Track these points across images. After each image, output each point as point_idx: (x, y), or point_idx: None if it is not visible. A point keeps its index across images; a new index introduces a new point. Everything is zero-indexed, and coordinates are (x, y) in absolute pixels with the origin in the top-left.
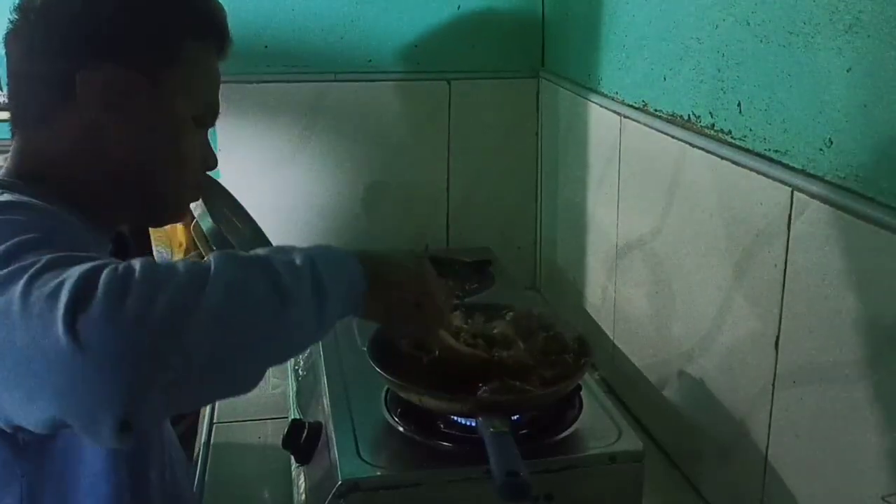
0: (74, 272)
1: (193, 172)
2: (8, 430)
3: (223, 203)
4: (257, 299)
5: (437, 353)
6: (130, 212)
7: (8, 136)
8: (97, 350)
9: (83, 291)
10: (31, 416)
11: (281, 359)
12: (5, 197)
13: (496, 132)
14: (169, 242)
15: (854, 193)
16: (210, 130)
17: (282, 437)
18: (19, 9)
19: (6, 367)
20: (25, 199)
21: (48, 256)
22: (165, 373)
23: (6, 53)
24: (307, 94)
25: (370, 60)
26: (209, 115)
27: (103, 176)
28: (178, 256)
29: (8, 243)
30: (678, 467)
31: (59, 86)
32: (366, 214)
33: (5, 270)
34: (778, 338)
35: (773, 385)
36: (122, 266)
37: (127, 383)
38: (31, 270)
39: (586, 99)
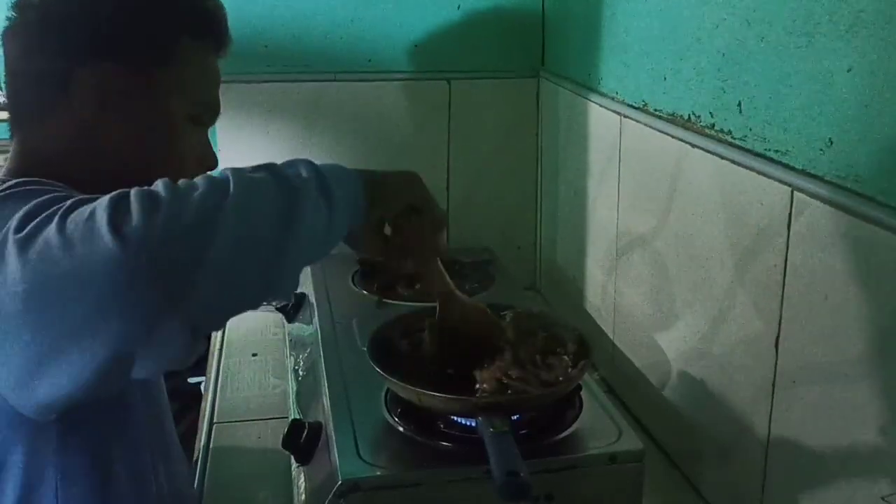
0: (103, 200)
1: (192, 172)
2: (52, 416)
3: None
4: (272, 197)
5: (438, 303)
6: None
7: (7, 135)
8: (146, 247)
9: (117, 209)
10: (94, 350)
11: (300, 256)
12: (16, 181)
13: (496, 132)
14: None
15: (854, 193)
16: (210, 130)
17: (282, 437)
18: (17, 6)
19: (60, 302)
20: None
21: (71, 200)
22: (208, 266)
23: (4, 52)
24: (307, 94)
25: (370, 60)
26: (208, 114)
27: (100, 174)
28: None
29: (31, 203)
30: (678, 467)
31: (56, 84)
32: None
33: (33, 223)
34: (778, 338)
35: (773, 385)
36: (144, 188)
37: (180, 274)
38: (60, 212)
39: (586, 99)
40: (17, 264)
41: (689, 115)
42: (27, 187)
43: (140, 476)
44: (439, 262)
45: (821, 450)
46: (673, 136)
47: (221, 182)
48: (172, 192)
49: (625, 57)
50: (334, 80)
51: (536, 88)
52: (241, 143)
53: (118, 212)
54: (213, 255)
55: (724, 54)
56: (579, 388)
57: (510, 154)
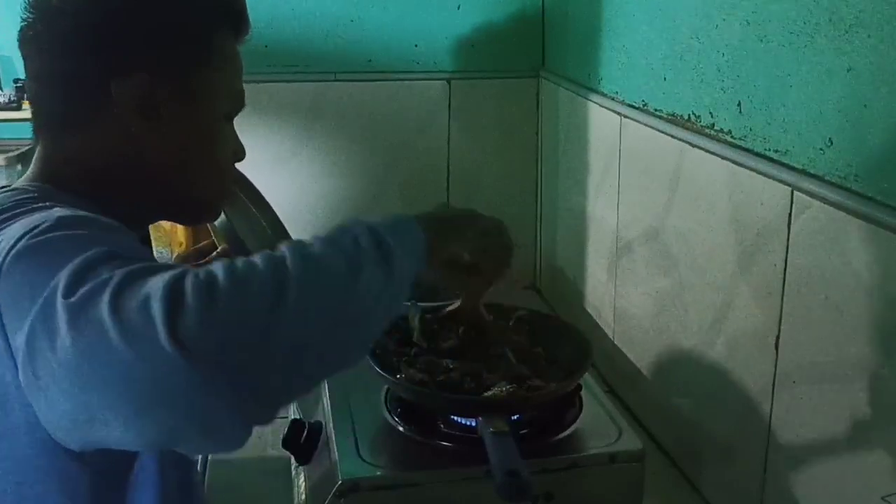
0: (157, 283)
1: (228, 168)
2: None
3: (243, 192)
4: (333, 275)
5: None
6: (166, 213)
7: (8, 135)
8: (204, 352)
9: (173, 302)
10: (142, 431)
11: (371, 326)
12: (59, 211)
13: (496, 132)
14: (169, 242)
15: (854, 193)
16: None
17: (282, 437)
18: (36, 9)
19: (112, 385)
20: (81, 212)
21: (122, 270)
22: (273, 361)
23: (23, 55)
24: (307, 94)
25: (370, 60)
26: (238, 107)
27: (142, 181)
28: (178, 251)
29: (77, 260)
30: (678, 467)
31: (90, 94)
32: (366, 214)
33: (83, 289)
34: (778, 338)
35: (773, 385)
36: (202, 272)
37: (240, 379)
38: (112, 286)
39: (586, 99)
40: (69, 336)
41: (689, 115)
42: (72, 230)
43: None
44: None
45: (821, 450)
46: (673, 136)
47: (277, 264)
48: (231, 281)
49: (625, 57)
50: (334, 80)
51: (536, 88)
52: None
53: (173, 306)
54: (275, 353)
55: (723, 54)
56: (579, 388)
57: (510, 154)
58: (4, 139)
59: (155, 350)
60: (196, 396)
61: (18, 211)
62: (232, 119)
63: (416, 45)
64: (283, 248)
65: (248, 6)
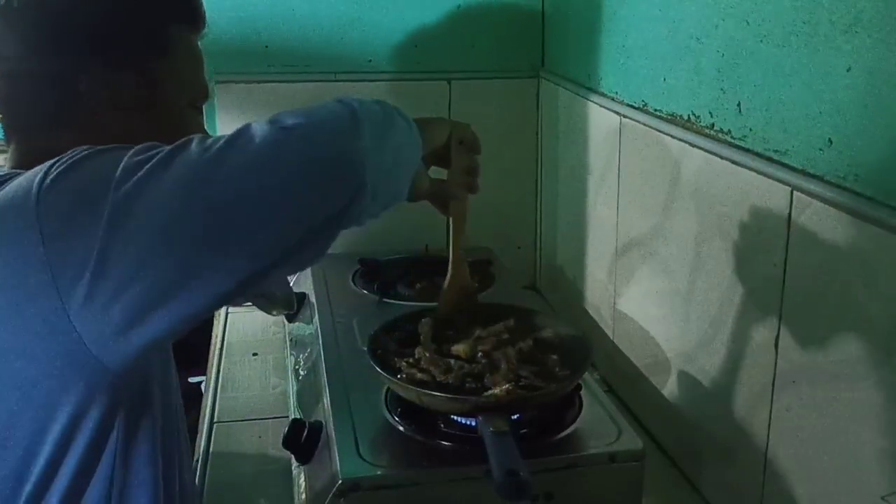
0: (246, 127)
1: None
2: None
3: None
4: (378, 111)
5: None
6: None
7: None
8: (307, 130)
9: (266, 122)
10: (267, 233)
11: (407, 165)
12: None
13: (496, 132)
14: None
15: (854, 193)
16: (211, 129)
17: (282, 437)
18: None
19: (230, 200)
20: None
21: (193, 137)
22: (365, 150)
23: None
24: (307, 94)
25: (370, 60)
26: (202, 97)
27: None
28: None
29: (133, 149)
30: (678, 467)
31: (55, 86)
32: None
33: (158, 155)
34: (778, 338)
35: (773, 385)
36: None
37: (347, 153)
38: (193, 142)
39: (586, 99)
40: (160, 185)
41: (688, 115)
42: (104, 147)
43: (169, 473)
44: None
45: (821, 450)
46: (673, 136)
47: (333, 101)
48: (303, 110)
49: (625, 57)
50: (334, 80)
51: (536, 88)
52: None
53: (270, 121)
54: (365, 141)
55: (723, 54)
56: (579, 388)
57: (510, 154)
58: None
59: (262, 139)
60: (310, 161)
61: (13, 174)
62: (199, 108)
63: (416, 45)
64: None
65: (247, 6)
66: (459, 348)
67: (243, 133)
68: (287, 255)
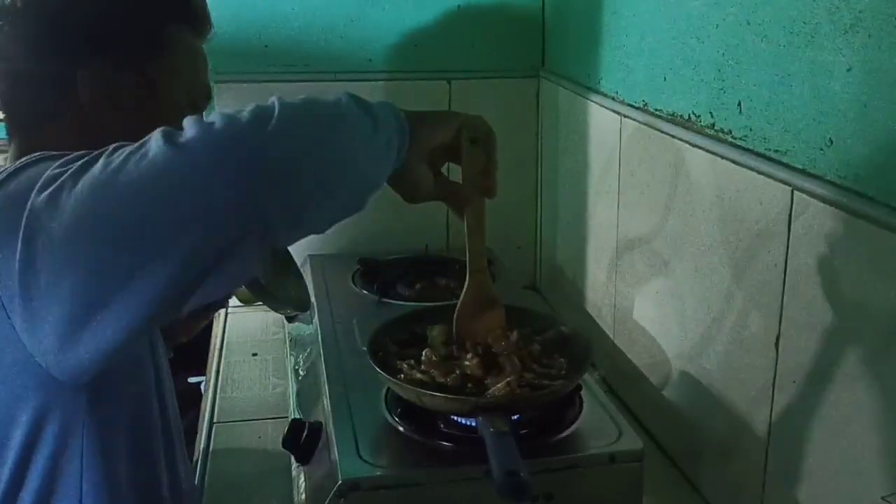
0: (150, 137)
1: None
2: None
3: None
4: (319, 106)
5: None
6: None
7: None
8: (204, 148)
9: (167, 133)
10: (171, 251)
11: (362, 168)
12: (27, 157)
13: (496, 132)
14: None
15: (854, 193)
16: None
17: (282, 437)
18: (2, 13)
19: (120, 225)
20: None
21: (106, 149)
22: (271, 163)
23: None
24: (307, 94)
25: (370, 60)
26: (202, 98)
27: None
28: None
29: (55, 163)
30: (678, 467)
31: (55, 87)
32: (365, 214)
33: (69, 170)
34: (778, 338)
35: (773, 385)
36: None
37: (245, 171)
38: (102, 156)
39: (586, 99)
40: (67, 207)
41: (689, 115)
42: (42, 157)
43: (150, 470)
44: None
45: (821, 450)
46: (673, 136)
47: (267, 104)
48: (220, 114)
49: (625, 57)
50: (334, 80)
51: (536, 88)
52: None
53: (171, 133)
54: (272, 150)
55: (724, 54)
56: (579, 388)
57: (510, 154)
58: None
59: (159, 160)
60: (214, 191)
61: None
62: (199, 110)
63: (415, 45)
64: (274, 99)
65: (247, 6)
66: (472, 364)
67: (145, 143)
68: (193, 278)
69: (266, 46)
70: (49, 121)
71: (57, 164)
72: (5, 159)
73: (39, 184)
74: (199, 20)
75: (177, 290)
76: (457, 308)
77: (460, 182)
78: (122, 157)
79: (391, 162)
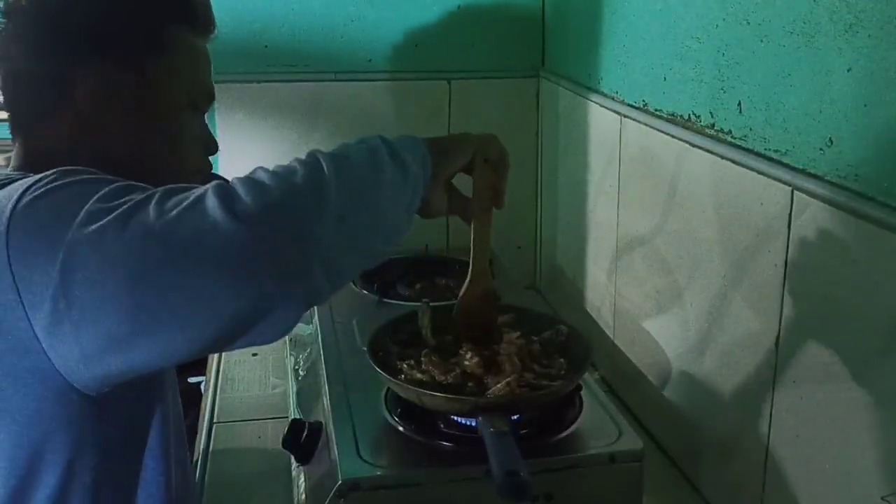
0: (201, 189)
1: (194, 158)
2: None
3: None
4: (358, 163)
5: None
6: None
7: (8, 135)
8: (262, 222)
9: (224, 195)
10: (212, 314)
11: (395, 220)
12: (63, 170)
13: (496, 132)
14: None
15: (854, 193)
16: (211, 129)
17: (282, 437)
18: (5, 12)
19: (167, 282)
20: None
21: (159, 189)
22: (321, 233)
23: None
24: (307, 94)
25: (370, 60)
26: (204, 99)
27: (105, 168)
28: None
29: (102, 190)
30: (678, 467)
31: (55, 86)
32: None
33: (123, 205)
34: (778, 338)
35: (773, 385)
36: (244, 177)
37: (296, 245)
38: (155, 198)
39: (586, 98)
40: (114, 245)
41: (689, 114)
42: (82, 175)
43: (157, 471)
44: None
45: (821, 450)
46: (673, 136)
47: (312, 161)
48: (273, 174)
49: (625, 57)
50: (334, 80)
51: (536, 88)
52: (241, 143)
53: (227, 196)
54: (324, 221)
55: (724, 54)
56: (579, 388)
57: (510, 154)
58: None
59: (210, 227)
60: (259, 265)
61: (9, 179)
62: (199, 110)
63: (416, 45)
64: (312, 152)
65: (246, 6)
66: (472, 363)
67: (201, 200)
68: (232, 333)
69: (266, 46)
70: (49, 120)
71: (100, 194)
72: (7, 159)
73: (81, 217)
74: (200, 20)
75: (211, 345)
76: (457, 303)
77: (471, 194)
78: (177, 211)
79: (416, 206)
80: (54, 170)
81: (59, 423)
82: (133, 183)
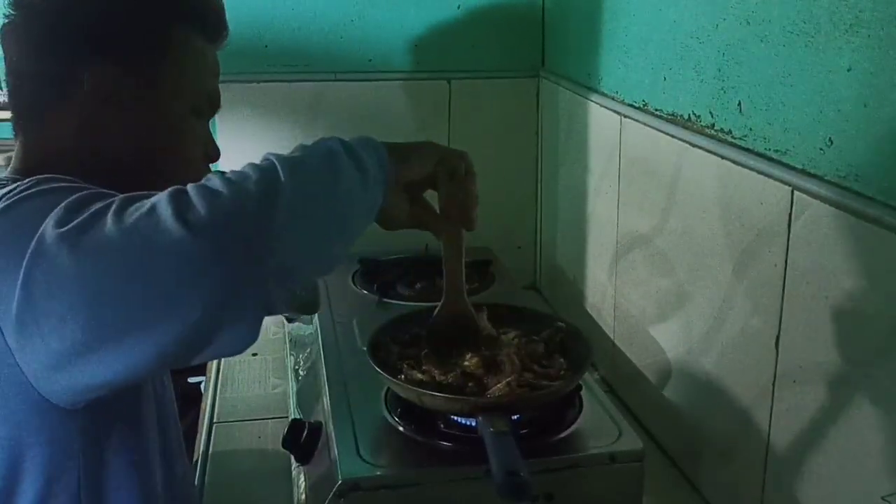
0: (160, 196)
1: (194, 163)
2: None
3: None
4: (315, 166)
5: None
6: None
7: (9, 135)
8: (214, 230)
9: (179, 201)
10: (161, 332)
11: (352, 224)
12: (35, 178)
13: (496, 132)
14: None
15: (854, 193)
16: (211, 130)
17: (282, 437)
18: (15, 4)
19: (122, 292)
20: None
21: (117, 197)
22: (274, 238)
23: (3, 50)
24: (307, 94)
25: (370, 60)
26: (207, 105)
27: (104, 170)
28: None
29: (65, 201)
30: (678, 467)
31: (57, 84)
32: None
33: (79, 217)
34: (778, 338)
35: (773, 385)
36: (198, 183)
37: (250, 251)
38: (113, 207)
39: (586, 98)
40: (69, 258)
41: (689, 114)
42: (52, 185)
43: (146, 468)
44: (462, 250)
45: (821, 450)
46: (673, 136)
47: (267, 164)
48: (227, 181)
49: (625, 57)
50: (334, 80)
51: (536, 88)
52: (241, 143)
53: (181, 204)
54: (277, 226)
55: (724, 54)
56: (579, 388)
57: (510, 154)
58: (5, 139)
59: (164, 237)
60: (213, 274)
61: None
62: (201, 116)
63: (416, 45)
64: (267, 155)
65: (247, 6)
66: (472, 363)
67: (155, 208)
68: (191, 344)
69: (266, 46)
70: (50, 119)
71: (63, 204)
72: (7, 159)
73: (43, 228)
74: (210, 25)
75: (173, 356)
76: (428, 325)
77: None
78: (132, 220)
79: (376, 208)
80: (31, 178)
81: (38, 433)
82: (102, 191)
